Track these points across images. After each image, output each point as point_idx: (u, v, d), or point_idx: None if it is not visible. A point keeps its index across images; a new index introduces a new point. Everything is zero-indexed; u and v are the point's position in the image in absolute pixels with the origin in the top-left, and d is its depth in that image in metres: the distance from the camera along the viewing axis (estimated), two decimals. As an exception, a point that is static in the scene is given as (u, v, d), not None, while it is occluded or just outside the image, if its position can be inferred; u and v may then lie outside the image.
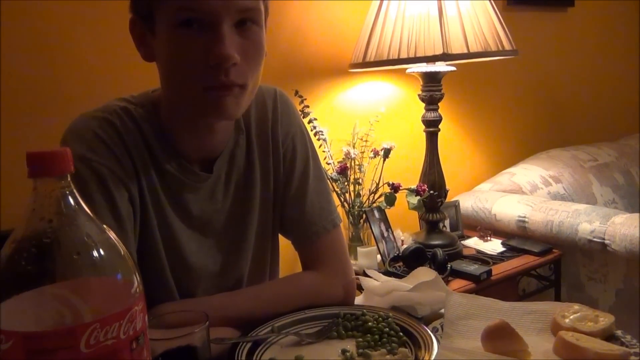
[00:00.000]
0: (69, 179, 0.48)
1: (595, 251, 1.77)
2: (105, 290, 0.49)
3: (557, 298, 1.85)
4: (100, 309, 0.46)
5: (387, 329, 0.80)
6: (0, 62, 1.35)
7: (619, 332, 0.78)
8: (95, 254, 0.48)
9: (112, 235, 0.50)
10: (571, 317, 0.79)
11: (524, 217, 1.91)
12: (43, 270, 0.47)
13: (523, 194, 2.10)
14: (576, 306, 0.82)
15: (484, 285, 1.61)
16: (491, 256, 1.79)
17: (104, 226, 0.50)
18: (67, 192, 0.48)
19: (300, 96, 1.73)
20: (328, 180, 1.59)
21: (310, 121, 1.72)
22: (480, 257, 1.78)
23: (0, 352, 0.45)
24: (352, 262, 1.69)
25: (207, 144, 0.91)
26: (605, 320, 0.78)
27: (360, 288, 1.07)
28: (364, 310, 0.87)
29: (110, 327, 0.46)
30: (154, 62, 0.84)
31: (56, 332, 0.45)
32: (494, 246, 1.86)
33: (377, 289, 0.98)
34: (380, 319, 0.83)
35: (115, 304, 0.48)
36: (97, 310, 0.46)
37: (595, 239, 1.73)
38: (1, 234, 1.05)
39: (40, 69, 1.41)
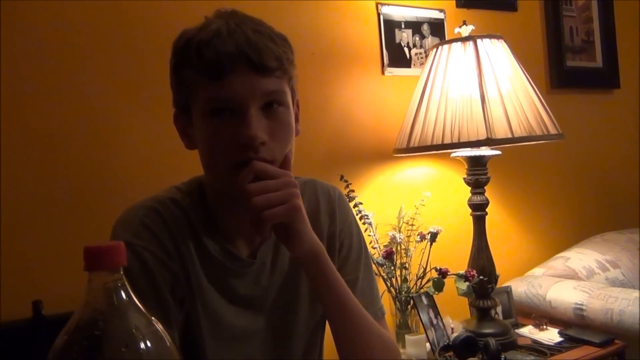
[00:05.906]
0: (121, 272, 0.50)
1: (662, 342, 1.65)
2: (151, 382, 0.49)
3: (624, 394, 1.71)
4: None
5: None
6: (54, 153, 1.44)
7: None
8: (142, 346, 0.49)
9: (159, 327, 0.51)
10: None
11: (581, 304, 1.81)
12: (92, 361, 0.48)
13: (579, 279, 2.00)
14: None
15: (541, 379, 1.52)
16: (548, 347, 1.69)
17: (152, 318, 0.51)
18: (119, 284, 0.50)
19: (346, 181, 1.75)
20: (374, 265, 1.57)
21: (355, 205, 1.73)
22: (537, 348, 1.68)
23: None
24: (401, 350, 1.64)
25: (251, 229, 0.92)
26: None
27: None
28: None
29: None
30: (195, 149, 0.89)
31: None
32: (550, 335, 1.76)
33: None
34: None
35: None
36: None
37: (661, 330, 1.62)
38: (49, 319, 1.21)
39: (92, 160, 1.49)
